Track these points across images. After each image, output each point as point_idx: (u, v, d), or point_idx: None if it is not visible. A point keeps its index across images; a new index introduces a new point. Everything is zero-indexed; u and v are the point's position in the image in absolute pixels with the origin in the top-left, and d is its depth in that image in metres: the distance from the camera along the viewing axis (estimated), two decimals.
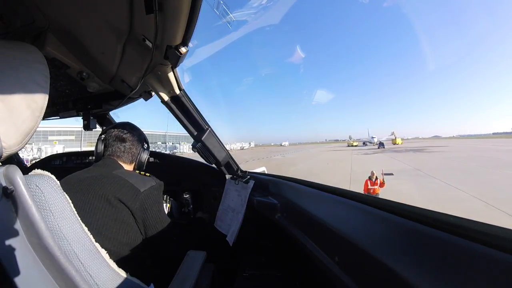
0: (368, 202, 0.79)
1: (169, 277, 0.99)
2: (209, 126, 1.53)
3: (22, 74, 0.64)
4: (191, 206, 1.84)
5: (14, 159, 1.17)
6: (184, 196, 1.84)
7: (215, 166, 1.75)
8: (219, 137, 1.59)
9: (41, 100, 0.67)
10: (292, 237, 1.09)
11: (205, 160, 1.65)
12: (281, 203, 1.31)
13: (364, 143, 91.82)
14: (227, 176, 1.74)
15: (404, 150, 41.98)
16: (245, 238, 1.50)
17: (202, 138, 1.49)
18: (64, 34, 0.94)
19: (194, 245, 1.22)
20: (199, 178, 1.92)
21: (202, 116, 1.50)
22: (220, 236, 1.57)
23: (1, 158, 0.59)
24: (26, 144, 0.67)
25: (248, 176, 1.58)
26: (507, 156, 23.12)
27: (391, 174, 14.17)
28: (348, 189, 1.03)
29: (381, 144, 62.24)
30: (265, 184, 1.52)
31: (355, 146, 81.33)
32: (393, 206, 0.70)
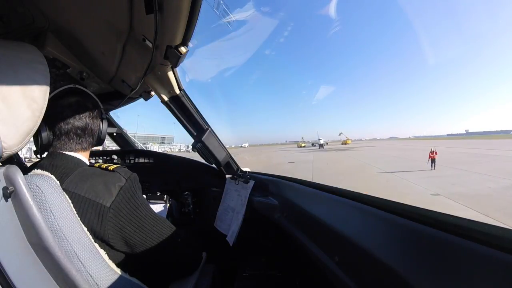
0: (368, 202, 0.79)
1: (169, 277, 0.98)
2: (209, 126, 1.53)
3: (22, 74, 0.64)
4: (191, 206, 1.84)
5: (14, 159, 1.16)
6: (184, 196, 1.84)
7: (215, 166, 1.75)
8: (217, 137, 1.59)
9: (41, 100, 0.67)
10: (292, 237, 1.09)
11: (205, 160, 1.65)
12: (281, 203, 1.31)
13: (312, 144, 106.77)
14: (227, 176, 1.74)
15: (335, 150, 56.12)
16: (245, 238, 1.50)
17: (202, 138, 1.49)
18: (64, 34, 0.93)
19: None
20: (199, 178, 1.92)
21: (202, 116, 1.50)
22: (220, 236, 1.57)
23: (1, 159, 0.59)
24: (26, 144, 0.67)
25: (248, 176, 1.58)
26: (397, 153, 34.01)
27: (293, 162, 24.49)
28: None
29: (320, 145, 78.68)
30: (265, 184, 1.53)
31: (303, 147, 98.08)
32: (393, 206, 0.70)
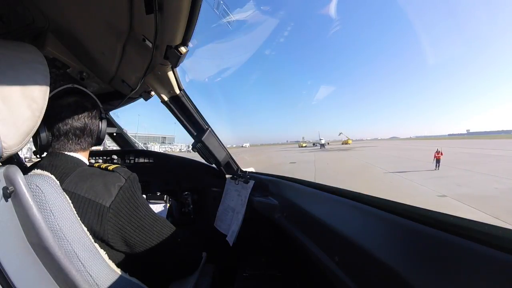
0: (368, 202, 0.79)
1: (169, 277, 0.98)
2: (209, 126, 1.53)
3: (22, 74, 0.64)
4: (191, 206, 1.84)
5: (14, 159, 1.16)
6: (184, 196, 1.84)
7: (215, 166, 1.75)
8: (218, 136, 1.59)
9: (41, 100, 0.67)
10: (292, 237, 1.09)
11: (205, 160, 1.65)
12: (281, 203, 1.31)
13: (314, 144, 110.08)
14: (227, 176, 1.74)
15: (337, 150, 56.33)
16: (245, 238, 1.50)
17: (202, 138, 1.49)
18: (64, 34, 0.93)
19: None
20: (199, 178, 1.92)
21: (202, 116, 1.51)
22: (220, 236, 1.57)
23: (1, 159, 0.59)
24: (26, 144, 0.67)
25: (248, 176, 1.58)
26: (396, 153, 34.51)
27: (295, 162, 25.28)
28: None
29: (321, 145, 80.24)
30: (265, 184, 1.52)
31: (304, 146, 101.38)
32: (393, 206, 0.70)
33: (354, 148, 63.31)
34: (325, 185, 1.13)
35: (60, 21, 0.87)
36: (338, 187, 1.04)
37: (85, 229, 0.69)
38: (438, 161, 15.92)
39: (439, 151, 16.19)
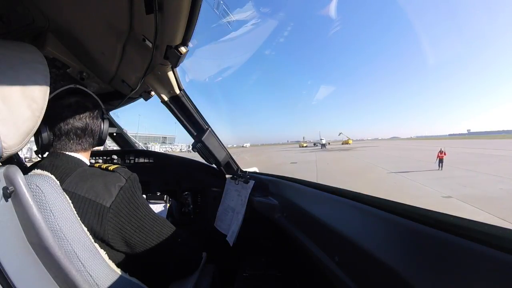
0: (368, 202, 0.79)
1: (169, 277, 0.98)
2: (209, 126, 1.53)
3: (22, 74, 0.64)
4: (191, 206, 1.84)
5: (14, 159, 1.16)
6: (184, 196, 1.84)
7: (215, 166, 1.75)
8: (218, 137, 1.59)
9: (41, 100, 0.67)
10: (292, 237, 1.09)
11: (205, 160, 1.65)
12: (281, 203, 1.31)
13: (314, 144, 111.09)
14: (227, 176, 1.74)
15: (338, 150, 56.72)
16: (245, 238, 1.50)
17: (202, 138, 1.49)
18: (64, 34, 0.94)
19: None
20: (199, 178, 1.92)
21: (202, 116, 1.51)
22: (220, 236, 1.57)
23: (1, 159, 0.59)
24: (26, 144, 0.67)
25: (248, 176, 1.58)
26: (397, 153, 34.89)
27: (296, 162, 25.54)
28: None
29: (322, 145, 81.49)
30: (265, 184, 1.52)
31: (305, 146, 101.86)
32: (393, 206, 0.70)
33: (355, 148, 63.13)
34: (325, 185, 1.13)
35: (60, 21, 0.87)
36: (339, 187, 1.04)
37: (85, 229, 0.69)
38: (441, 161, 15.69)
39: (442, 151, 15.92)
